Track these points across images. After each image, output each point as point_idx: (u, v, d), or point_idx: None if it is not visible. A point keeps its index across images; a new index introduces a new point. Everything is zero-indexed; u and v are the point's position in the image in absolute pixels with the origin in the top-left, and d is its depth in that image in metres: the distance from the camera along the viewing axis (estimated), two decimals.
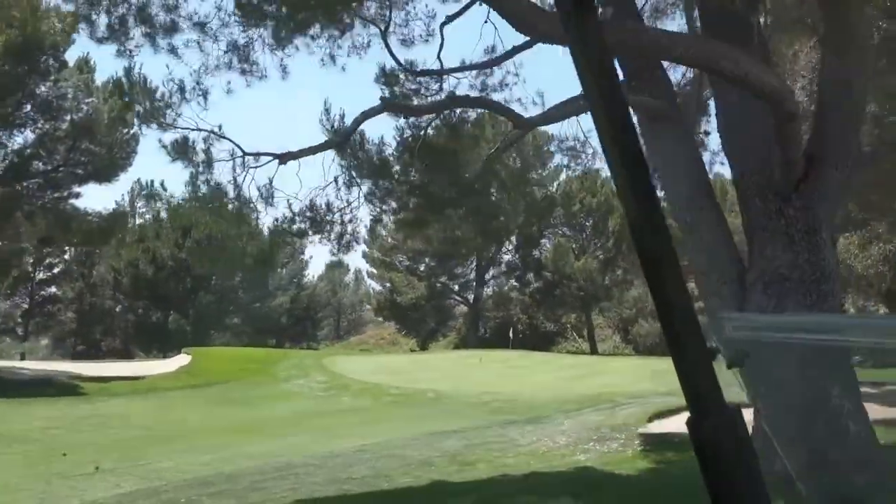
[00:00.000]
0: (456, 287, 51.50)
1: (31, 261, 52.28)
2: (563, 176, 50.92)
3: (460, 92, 10.66)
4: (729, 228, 6.86)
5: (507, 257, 53.04)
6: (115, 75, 23.31)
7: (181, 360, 24.27)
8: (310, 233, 7.70)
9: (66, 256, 53.79)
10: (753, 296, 6.25)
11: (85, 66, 21.06)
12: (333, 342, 72.41)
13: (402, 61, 10.93)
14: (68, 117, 20.54)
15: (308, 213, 7.43)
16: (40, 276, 52.82)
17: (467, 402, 19.03)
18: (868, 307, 29.96)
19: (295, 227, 7.45)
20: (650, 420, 15.19)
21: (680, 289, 0.92)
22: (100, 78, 21.53)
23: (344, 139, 6.77)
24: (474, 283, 51.09)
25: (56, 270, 53.91)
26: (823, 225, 6.34)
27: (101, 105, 20.67)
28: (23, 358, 47.22)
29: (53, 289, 55.16)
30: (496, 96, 10.71)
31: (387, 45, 6.77)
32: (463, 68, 6.61)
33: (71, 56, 20.37)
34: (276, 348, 51.06)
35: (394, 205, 8.55)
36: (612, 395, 20.95)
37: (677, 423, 14.69)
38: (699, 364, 0.92)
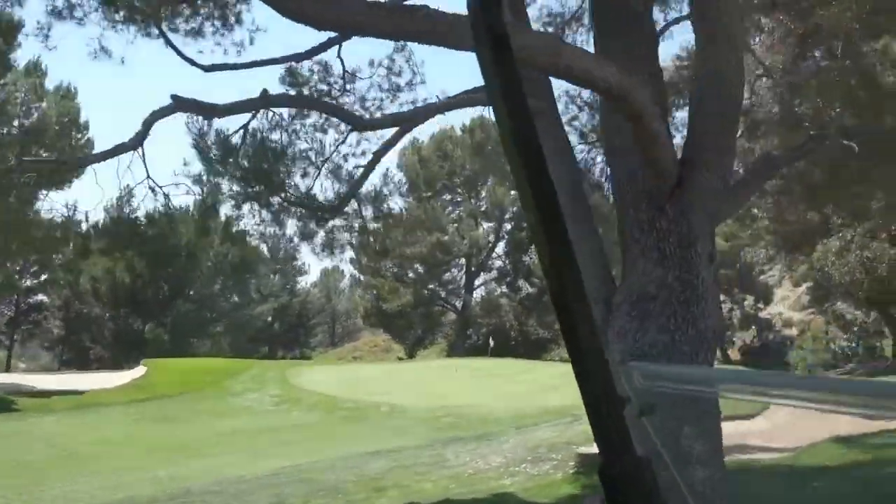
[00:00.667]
0: (443, 294, 50.82)
1: (18, 269, 51.96)
2: None
3: (371, 95, 10.05)
4: (601, 242, 6.15)
5: (498, 263, 52.40)
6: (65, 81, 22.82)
7: (135, 372, 23.61)
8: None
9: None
10: (617, 318, 5.54)
11: (34, 69, 20.56)
12: (327, 349, 71.82)
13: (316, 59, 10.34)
14: (16, 122, 20.03)
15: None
16: (27, 283, 52.45)
17: (421, 416, 18.34)
18: (846, 314, 29.11)
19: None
20: None
21: (589, 332, 0.90)
22: (51, 83, 21.06)
23: (137, 143, 6.10)
24: (463, 290, 50.42)
25: (43, 278, 53.56)
26: (699, 238, 5.62)
27: (51, 110, 20.12)
28: (7, 369, 46.77)
29: (41, 296, 54.80)
30: (403, 97, 10.07)
31: (163, 34, 6.06)
32: (264, 62, 5.88)
33: (19, 59, 19.86)
34: (268, 358, 50.35)
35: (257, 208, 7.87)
36: (578, 407, 20.24)
37: None
38: (610, 412, 0.91)
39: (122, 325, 39.98)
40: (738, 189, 6.77)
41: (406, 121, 6.25)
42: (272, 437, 15.18)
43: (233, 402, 19.70)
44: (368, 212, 10.10)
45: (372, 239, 9.10)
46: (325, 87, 10.28)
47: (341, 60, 9.64)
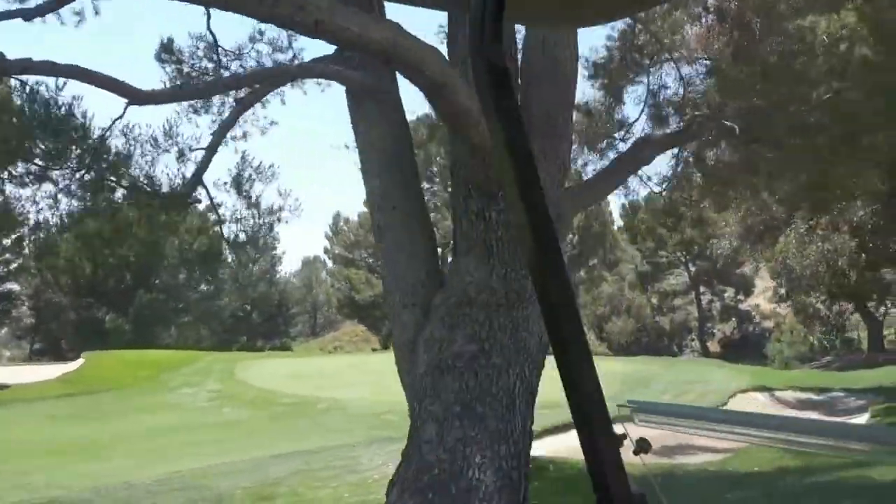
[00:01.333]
0: None
1: None
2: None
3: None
4: (428, 235, 5.43)
5: None
6: None
7: (70, 365, 22.83)
8: None
9: (25, 251, 52.60)
10: (431, 324, 4.83)
11: None
12: (308, 339, 71.09)
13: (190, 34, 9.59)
14: None
15: None
16: None
17: (360, 412, 17.65)
18: (810, 307, 28.48)
19: None
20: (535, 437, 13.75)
21: (586, 364, 0.90)
22: None
23: None
24: None
25: (13, 266, 52.76)
26: None
27: None
28: None
29: (11, 285, 54.01)
30: None
31: None
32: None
33: None
34: (246, 348, 49.43)
35: None
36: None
37: (557, 443, 13.35)
38: (605, 448, 0.90)
39: (85, 315, 39.12)
40: (605, 176, 6.07)
41: (189, 96, 5.56)
42: (190, 437, 14.46)
43: (166, 397, 18.92)
44: (233, 198, 9.32)
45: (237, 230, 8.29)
46: (210, 65, 9.54)
47: (212, 33, 8.92)
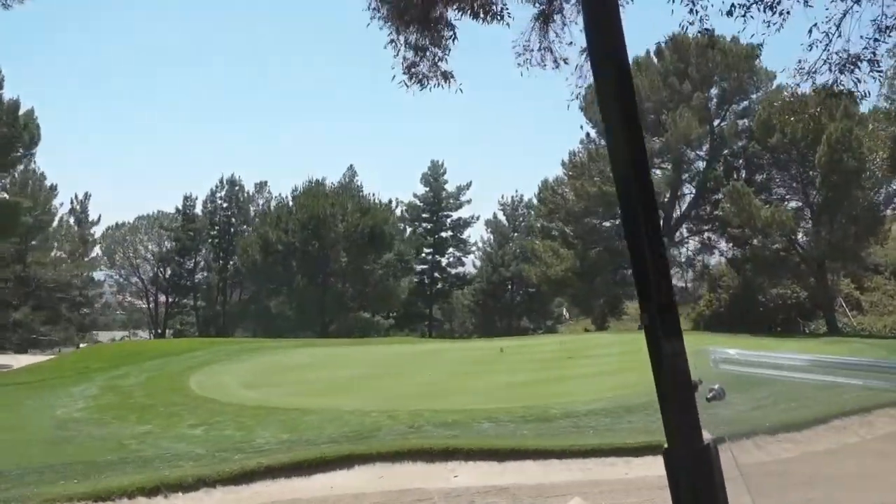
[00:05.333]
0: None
1: None
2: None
3: None
4: None
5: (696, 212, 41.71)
6: None
7: (45, 356, 21.98)
8: None
9: None
10: None
11: None
12: (578, 318, 65.76)
13: None
14: None
15: None
16: None
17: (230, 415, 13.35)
18: None
19: None
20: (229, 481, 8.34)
21: (666, 296, 1.06)
22: None
23: None
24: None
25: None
26: None
27: None
28: None
29: None
30: None
31: None
32: None
33: None
34: (508, 333, 45.38)
35: None
36: (475, 415, 13.11)
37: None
38: (678, 394, 0.97)
39: (256, 301, 39.69)
40: None
41: None
42: None
43: (53, 393, 16.52)
44: None
45: None
46: None
47: None
